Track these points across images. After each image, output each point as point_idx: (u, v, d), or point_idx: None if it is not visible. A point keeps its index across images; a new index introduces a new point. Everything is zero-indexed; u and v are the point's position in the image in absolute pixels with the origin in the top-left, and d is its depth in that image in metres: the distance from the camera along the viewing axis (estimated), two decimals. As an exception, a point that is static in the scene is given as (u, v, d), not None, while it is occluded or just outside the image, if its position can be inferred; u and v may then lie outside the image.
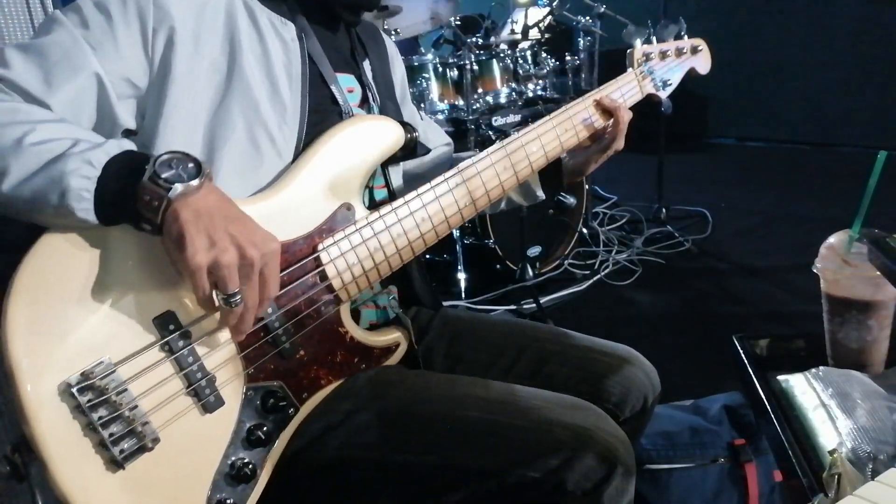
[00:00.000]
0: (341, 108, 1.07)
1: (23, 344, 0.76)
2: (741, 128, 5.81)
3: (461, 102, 2.97)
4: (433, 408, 0.98)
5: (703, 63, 1.39)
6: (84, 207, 0.79)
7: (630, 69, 1.30)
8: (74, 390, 0.77)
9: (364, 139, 1.04)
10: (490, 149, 1.11)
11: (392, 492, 0.97)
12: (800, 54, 5.29)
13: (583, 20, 3.41)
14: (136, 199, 0.79)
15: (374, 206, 1.10)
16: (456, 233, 2.86)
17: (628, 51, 1.30)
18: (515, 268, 2.89)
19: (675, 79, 1.35)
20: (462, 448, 0.95)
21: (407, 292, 1.20)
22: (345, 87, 1.10)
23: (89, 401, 0.78)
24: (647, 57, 1.31)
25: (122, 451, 0.79)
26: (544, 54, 3.29)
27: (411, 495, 0.97)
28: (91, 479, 0.78)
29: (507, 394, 1.01)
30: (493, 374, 1.16)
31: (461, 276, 2.94)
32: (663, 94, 1.34)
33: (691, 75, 1.38)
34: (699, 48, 1.37)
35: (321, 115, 1.03)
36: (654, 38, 1.32)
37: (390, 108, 1.21)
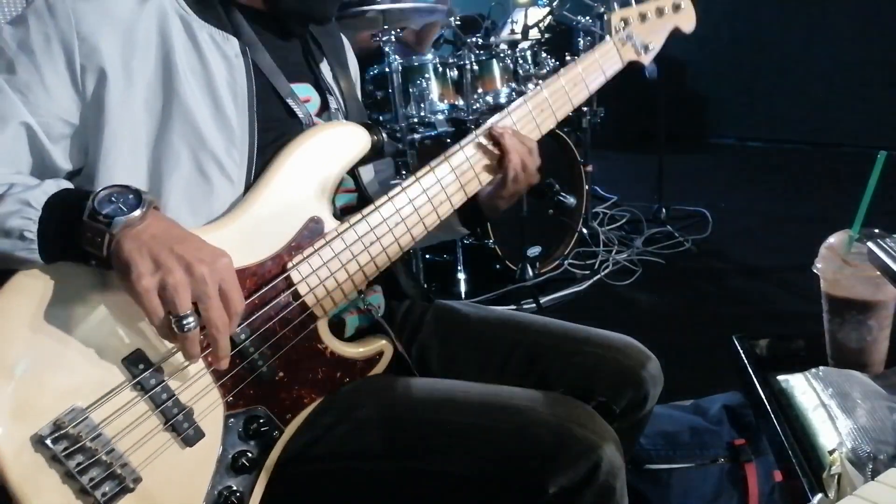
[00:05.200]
0: (301, 119, 1.03)
1: None
2: (741, 128, 5.80)
3: (461, 102, 2.97)
4: (412, 414, 0.97)
5: (686, 21, 1.29)
6: (28, 247, 0.79)
7: (608, 37, 1.22)
8: (48, 441, 0.76)
9: (327, 149, 1.00)
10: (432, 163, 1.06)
11: (375, 500, 0.97)
12: (800, 54, 5.29)
13: (583, 20, 3.41)
14: (79, 237, 0.79)
15: (345, 211, 1.07)
16: (456, 233, 2.85)
17: (605, 17, 1.22)
18: (515, 268, 2.89)
19: (658, 41, 1.26)
20: (442, 453, 0.94)
21: (394, 288, 1.19)
22: (301, 97, 1.06)
23: (65, 449, 0.77)
24: (626, 22, 1.23)
25: (104, 495, 0.79)
26: (544, 54, 3.28)
27: (394, 502, 0.97)
28: None
29: (488, 395, 0.99)
30: (488, 374, 1.15)
31: (461, 276, 2.94)
32: (646, 59, 1.26)
33: (675, 35, 1.29)
34: (680, 5, 1.27)
35: (275, 131, 1.00)
36: (632, 0, 1.24)
37: (353, 107, 1.17)
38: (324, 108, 1.12)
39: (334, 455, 0.97)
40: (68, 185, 0.87)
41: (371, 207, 1.00)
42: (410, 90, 2.93)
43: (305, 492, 0.98)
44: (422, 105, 2.93)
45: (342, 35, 1.26)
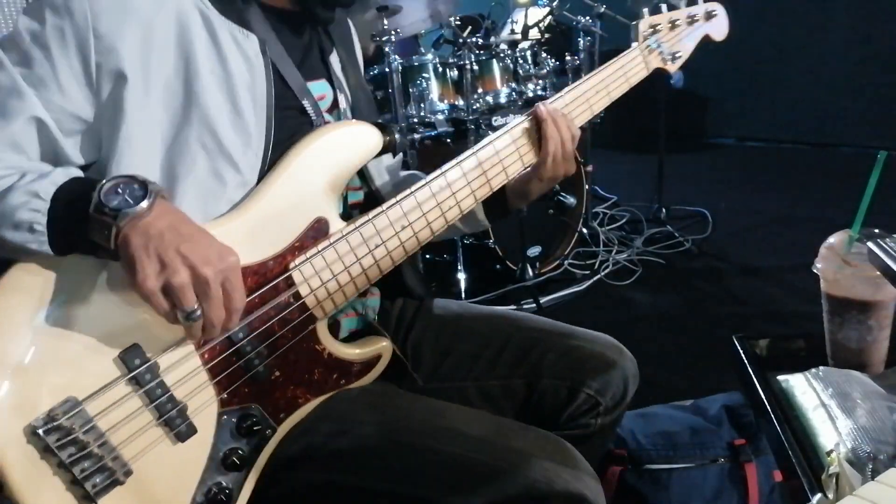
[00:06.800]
0: (312, 119, 1.02)
1: None
2: (741, 128, 5.80)
3: (461, 102, 2.97)
4: (414, 438, 0.97)
5: (718, 29, 1.26)
6: (38, 240, 0.78)
7: (634, 44, 1.19)
8: (41, 431, 0.76)
9: (337, 149, 0.99)
10: (460, 157, 1.06)
11: None
12: (800, 54, 5.29)
13: (583, 20, 3.41)
14: (87, 229, 0.78)
15: (352, 208, 1.07)
16: (456, 233, 2.86)
17: (633, 23, 1.18)
18: (515, 268, 2.89)
19: (687, 49, 1.23)
20: (439, 484, 0.94)
21: (396, 284, 1.19)
22: (316, 95, 1.05)
23: (57, 440, 0.77)
24: (655, 29, 1.20)
25: (94, 487, 0.80)
26: (544, 54, 3.28)
27: None
28: None
29: (490, 431, 0.99)
30: (482, 365, 1.17)
31: (461, 276, 2.93)
32: (673, 68, 1.23)
33: (705, 41, 1.26)
34: (714, 13, 1.24)
35: (289, 130, 0.98)
36: (663, 6, 1.20)
37: (362, 99, 1.15)
38: (335, 105, 1.11)
39: (329, 465, 0.96)
40: (79, 173, 0.86)
41: (378, 210, 0.99)
42: (410, 90, 2.94)
43: (295, 498, 0.98)
44: (422, 105, 2.94)
45: (349, 21, 1.24)
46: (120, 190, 0.79)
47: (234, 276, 0.82)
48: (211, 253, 0.80)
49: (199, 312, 0.79)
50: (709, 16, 1.24)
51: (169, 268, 0.77)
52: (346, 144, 0.99)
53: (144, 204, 0.78)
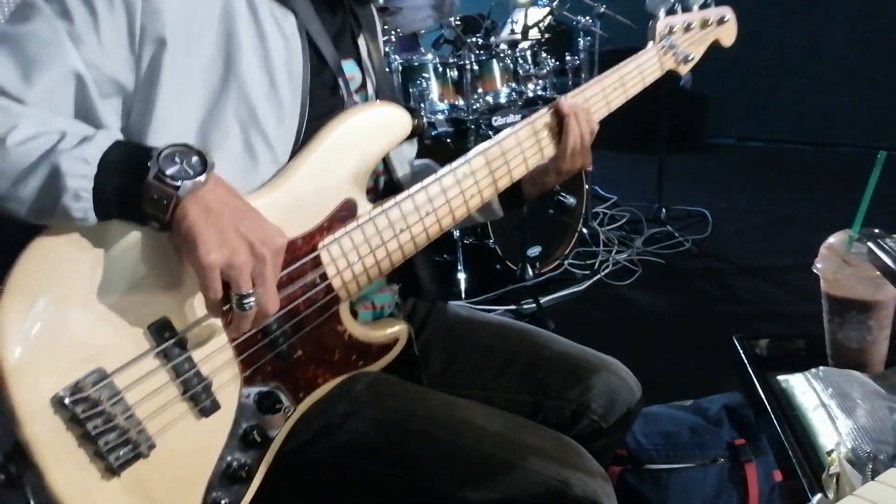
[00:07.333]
0: (343, 98, 1.01)
1: (16, 352, 0.74)
2: (741, 128, 5.80)
3: (461, 102, 2.97)
4: (431, 428, 0.97)
5: (727, 34, 1.28)
6: (83, 207, 0.75)
7: (651, 43, 1.20)
8: (68, 401, 0.76)
9: (368, 131, 0.98)
10: (478, 148, 1.06)
11: (379, 501, 0.97)
12: (800, 54, 5.29)
13: (583, 20, 3.41)
14: (140, 197, 0.75)
15: (373, 194, 1.07)
16: (456, 233, 2.86)
17: (650, 22, 1.19)
18: (515, 268, 2.89)
19: (698, 53, 1.25)
20: (452, 476, 0.94)
21: (412, 284, 1.19)
22: (347, 75, 1.04)
23: (84, 411, 0.77)
24: (671, 30, 1.21)
25: (117, 459, 0.79)
26: (544, 54, 3.29)
27: None
28: (88, 488, 0.78)
29: (507, 427, 0.99)
30: (487, 376, 1.17)
31: (461, 276, 2.94)
32: (684, 70, 1.24)
33: (714, 47, 1.28)
34: (725, 18, 1.26)
35: (321, 108, 0.98)
36: (678, 8, 1.22)
37: (384, 83, 1.15)
38: (363, 87, 1.10)
39: (344, 447, 0.96)
40: (119, 136, 0.82)
41: (405, 194, 0.98)
42: (410, 90, 2.94)
43: (309, 478, 0.98)
44: (422, 105, 2.94)
45: (371, 5, 1.23)
46: (178, 159, 0.76)
47: (280, 258, 0.81)
48: (266, 233, 0.79)
49: (252, 300, 0.78)
50: (720, 21, 1.26)
51: (229, 245, 0.75)
52: (377, 126, 0.99)
53: (203, 176, 0.76)
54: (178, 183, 0.75)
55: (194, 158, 0.77)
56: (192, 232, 0.75)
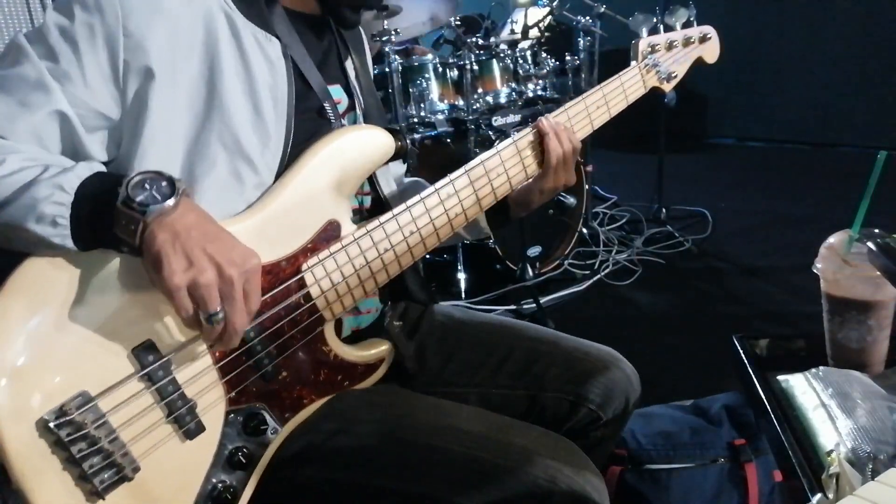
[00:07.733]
0: (330, 121, 1.03)
1: (1, 376, 0.75)
2: (741, 128, 5.80)
3: (461, 102, 2.97)
4: (416, 436, 0.97)
5: (710, 52, 1.31)
6: (60, 234, 0.78)
7: (633, 62, 1.23)
8: (52, 425, 0.76)
9: (352, 152, 0.99)
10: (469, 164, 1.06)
11: None
12: (800, 54, 5.29)
13: (583, 20, 3.41)
14: (112, 223, 0.78)
15: (359, 214, 1.07)
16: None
17: (633, 42, 1.22)
18: (515, 268, 2.89)
19: (681, 70, 1.28)
20: (439, 481, 0.94)
21: (398, 288, 1.19)
22: (335, 99, 1.05)
23: (68, 434, 0.77)
24: (653, 48, 1.24)
25: (102, 482, 0.79)
26: (544, 54, 3.28)
27: None
28: None
29: (492, 429, 0.99)
30: (484, 373, 1.17)
31: (461, 276, 2.94)
32: (668, 87, 1.28)
33: (697, 64, 1.31)
34: (708, 36, 1.29)
35: (307, 132, 0.99)
36: (661, 27, 1.25)
37: (372, 105, 1.16)
38: (350, 110, 1.12)
39: (331, 463, 0.97)
40: (101, 167, 0.86)
41: (388, 215, 0.99)
42: (410, 90, 2.94)
43: (297, 496, 0.98)
44: (422, 105, 2.94)
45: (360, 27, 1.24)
46: (147, 185, 0.78)
47: (255, 278, 0.82)
48: (235, 254, 0.80)
49: (221, 315, 0.79)
50: (703, 38, 1.29)
51: (196, 266, 0.77)
52: (359, 148, 1.00)
53: (171, 201, 0.78)
54: (146, 208, 0.77)
55: (163, 184, 0.79)
56: (159, 255, 0.77)
